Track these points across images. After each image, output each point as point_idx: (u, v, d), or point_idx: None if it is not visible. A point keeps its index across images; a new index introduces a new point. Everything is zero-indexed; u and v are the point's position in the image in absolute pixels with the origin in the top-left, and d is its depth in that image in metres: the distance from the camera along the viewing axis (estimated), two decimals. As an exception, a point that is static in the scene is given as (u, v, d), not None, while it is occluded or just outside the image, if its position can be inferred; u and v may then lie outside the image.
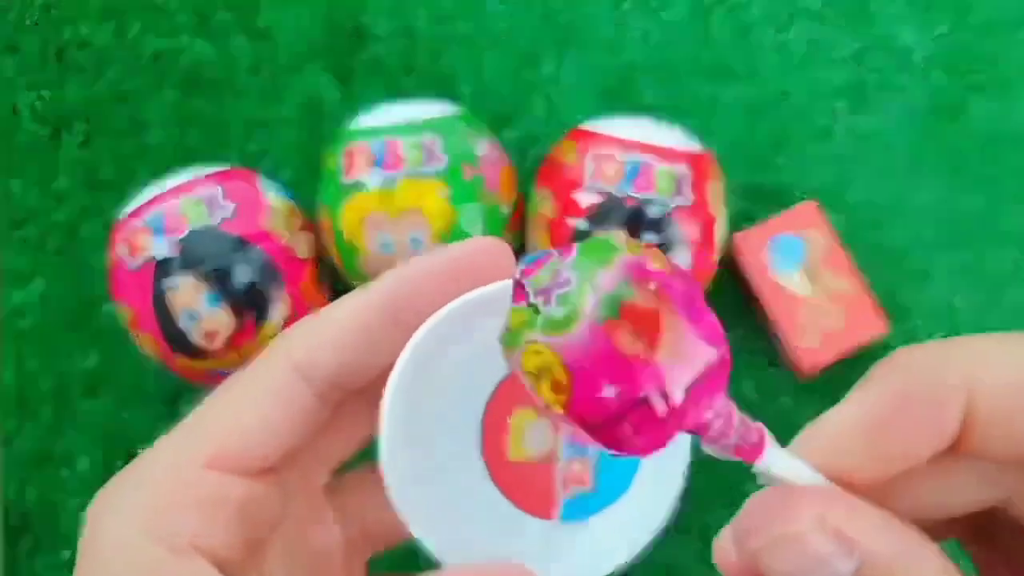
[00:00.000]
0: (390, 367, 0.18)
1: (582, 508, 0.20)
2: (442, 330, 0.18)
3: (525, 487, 0.19)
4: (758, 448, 0.15)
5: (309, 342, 0.18)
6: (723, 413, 0.15)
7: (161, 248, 0.33)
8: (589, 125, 0.36)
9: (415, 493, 0.18)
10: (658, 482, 0.19)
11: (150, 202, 0.34)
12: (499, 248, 0.19)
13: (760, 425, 0.15)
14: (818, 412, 0.41)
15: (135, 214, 0.34)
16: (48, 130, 0.43)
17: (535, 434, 0.19)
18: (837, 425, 0.15)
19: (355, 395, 0.19)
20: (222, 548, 0.17)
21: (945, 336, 0.38)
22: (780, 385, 0.38)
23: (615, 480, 0.20)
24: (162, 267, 0.33)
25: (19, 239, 0.42)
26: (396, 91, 0.43)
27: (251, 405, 0.17)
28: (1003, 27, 0.42)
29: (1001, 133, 0.41)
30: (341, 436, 0.20)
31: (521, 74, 0.43)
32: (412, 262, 0.18)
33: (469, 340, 0.18)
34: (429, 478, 0.19)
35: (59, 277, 0.42)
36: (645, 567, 0.37)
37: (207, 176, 0.35)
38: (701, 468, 0.39)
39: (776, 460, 0.15)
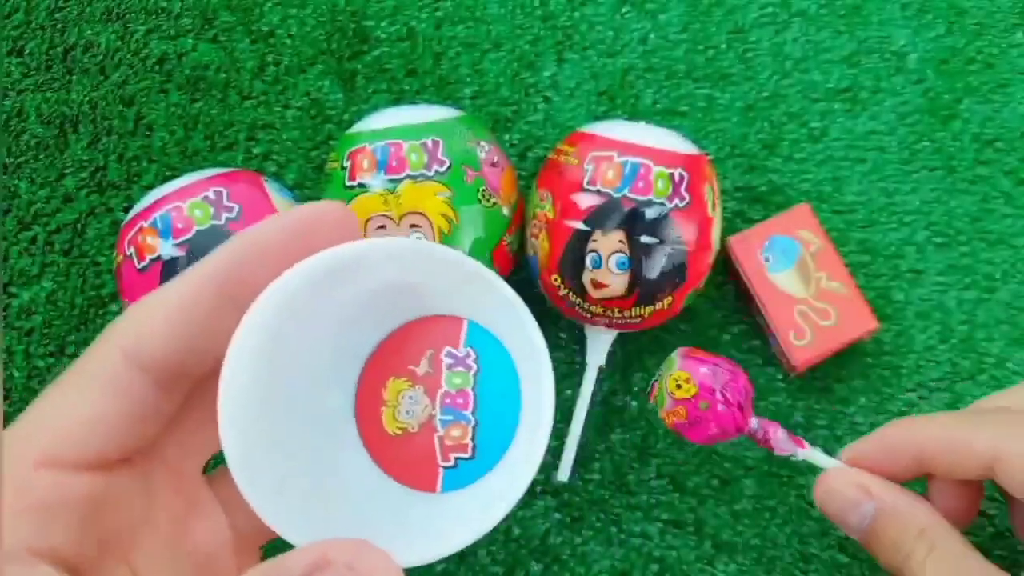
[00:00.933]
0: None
1: (463, 477, 0.19)
2: (281, 303, 0.16)
3: (405, 460, 0.19)
4: (800, 444, 0.29)
5: (138, 328, 0.17)
6: (761, 426, 0.29)
7: (168, 249, 0.34)
8: (588, 128, 0.36)
9: (282, 495, 0.16)
10: (529, 452, 0.18)
11: (156, 203, 0.35)
12: (336, 212, 0.17)
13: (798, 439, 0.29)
14: (810, 408, 0.41)
15: (142, 215, 0.35)
16: (54, 131, 0.44)
17: (410, 404, 0.18)
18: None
19: (213, 381, 0.17)
20: (68, 549, 0.16)
21: (938, 334, 0.39)
22: (774, 383, 0.39)
23: (492, 447, 0.19)
24: (169, 268, 0.34)
25: (26, 239, 0.43)
26: (398, 94, 0.44)
27: (81, 398, 0.17)
28: (996, 30, 0.42)
29: (993, 135, 0.41)
30: (208, 425, 0.18)
31: (521, 77, 0.43)
32: (242, 233, 0.17)
33: (322, 313, 0.17)
34: (296, 473, 0.17)
35: (66, 277, 0.42)
36: (640, 562, 0.38)
37: (212, 178, 0.35)
38: (700, 467, 0.40)
39: (810, 455, 0.29)
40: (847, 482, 0.27)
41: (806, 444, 0.28)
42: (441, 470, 0.19)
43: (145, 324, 0.17)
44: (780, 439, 0.28)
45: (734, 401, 0.27)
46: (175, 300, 0.17)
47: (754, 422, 0.28)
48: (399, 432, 0.18)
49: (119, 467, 0.17)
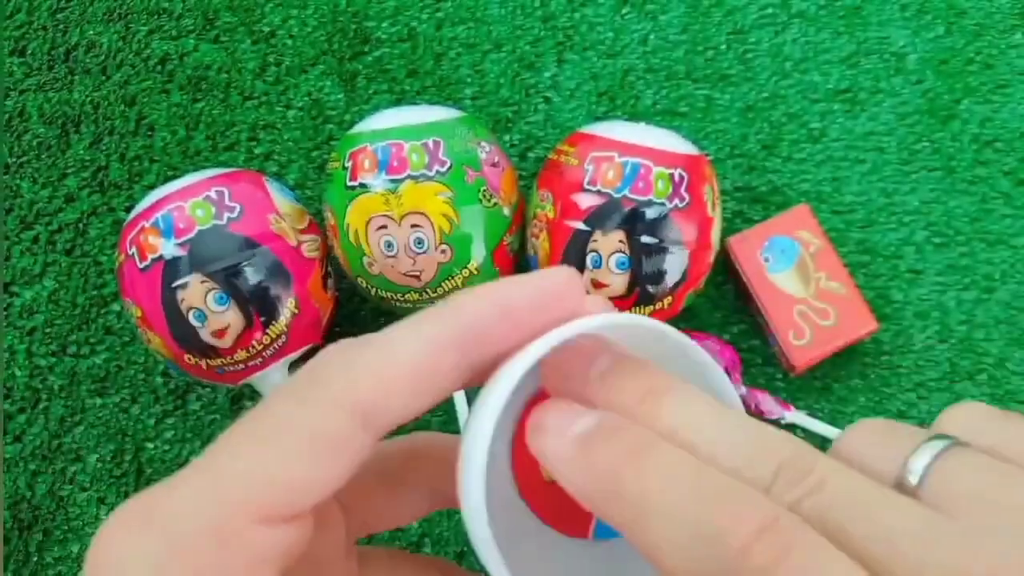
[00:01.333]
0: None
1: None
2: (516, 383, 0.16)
3: (558, 506, 0.19)
4: (787, 407, 0.31)
5: (376, 394, 0.16)
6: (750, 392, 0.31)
7: (170, 248, 0.34)
8: (588, 128, 0.37)
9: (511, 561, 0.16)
10: None
11: (158, 203, 0.35)
12: (569, 282, 0.17)
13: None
14: (810, 408, 0.42)
15: (143, 215, 0.35)
16: (56, 131, 0.44)
17: None
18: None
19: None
20: None
21: (937, 334, 0.39)
22: (773, 382, 0.39)
23: None
24: (171, 267, 0.34)
25: (29, 239, 0.43)
26: (399, 95, 0.44)
27: (301, 452, 0.15)
28: (995, 31, 0.42)
29: (993, 135, 0.41)
30: (394, 491, 0.20)
31: (522, 78, 0.43)
32: (487, 294, 0.17)
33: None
34: (509, 536, 0.17)
35: (68, 276, 0.42)
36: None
37: (214, 177, 0.35)
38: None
39: (797, 417, 0.26)
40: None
41: (792, 407, 0.29)
42: (594, 517, 0.19)
43: (384, 390, 0.16)
44: (769, 402, 0.28)
45: (722, 367, 0.27)
46: (416, 362, 0.16)
47: (743, 389, 0.28)
48: (552, 479, 0.18)
49: (303, 515, 0.16)
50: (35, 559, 0.39)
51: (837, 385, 0.39)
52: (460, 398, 0.38)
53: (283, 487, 0.15)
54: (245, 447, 0.16)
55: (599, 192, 0.34)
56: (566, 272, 0.17)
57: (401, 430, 0.18)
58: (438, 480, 0.20)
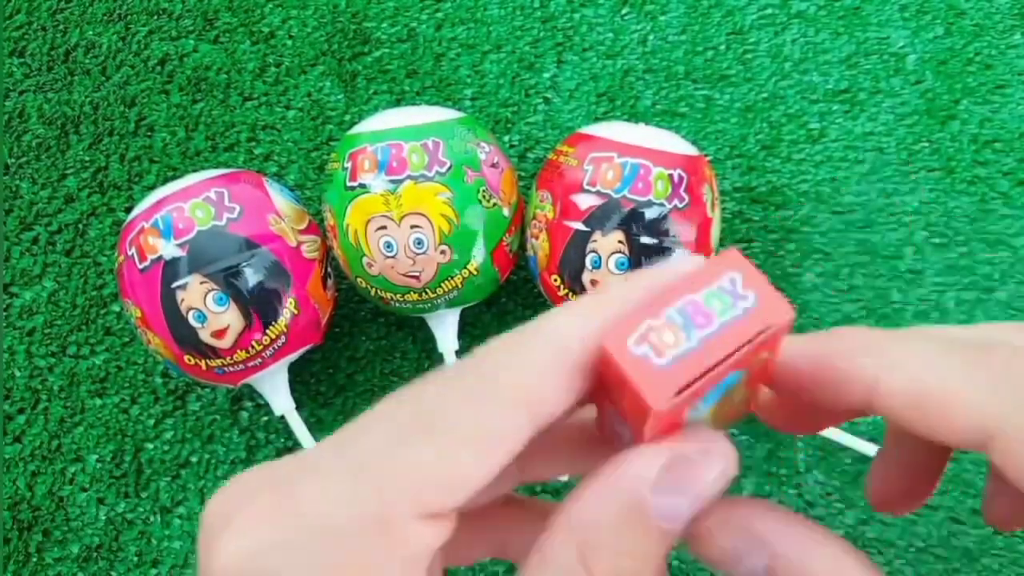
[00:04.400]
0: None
1: None
2: None
3: None
4: None
5: (543, 378, 0.15)
6: None
7: (169, 249, 0.34)
8: (588, 129, 0.37)
9: None
10: None
11: (158, 204, 0.35)
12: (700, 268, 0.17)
13: None
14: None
15: (143, 216, 0.35)
16: (56, 132, 0.44)
17: None
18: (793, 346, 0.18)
19: None
20: None
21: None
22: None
23: None
24: (170, 268, 0.34)
25: (28, 239, 0.43)
26: (399, 95, 0.44)
27: (470, 448, 0.15)
28: (995, 31, 0.42)
29: (992, 136, 0.41)
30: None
31: (521, 78, 0.43)
32: (631, 282, 0.16)
33: None
34: None
35: (68, 277, 0.42)
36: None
37: (214, 178, 0.35)
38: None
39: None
40: (731, 526, 0.17)
41: None
42: None
43: (553, 383, 0.15)
44: None
45: None
46: (578, 359, 0.16)
47: None
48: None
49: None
50: (35, 559, 0.39)
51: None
52: None
53: (448, 483, 0.15)
54: (413, 440, 0.15)
55: (599, 193, 0.34)
56: (698, 259, 0.17)
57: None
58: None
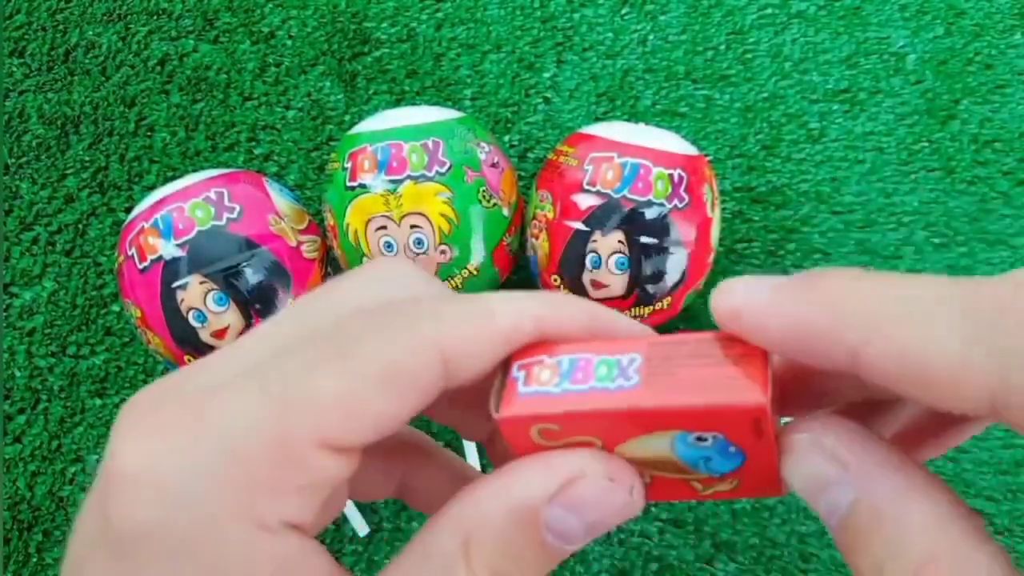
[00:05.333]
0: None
1: None
2: None
3: None
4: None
5: (465, 334, 0.15)
6: None
7: (169, 249, 0.34)
8: (588, 129, 0.37)
9: None
10: None
11: (158, 204, 0.35)
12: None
13: None
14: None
15: (143, 216, 0.35)
16: (56, 132, 0.44)
17: None
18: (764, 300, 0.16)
19: None
20: (307, 524, 0.15)
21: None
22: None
23: None
24: (170, 268, 0.34)
25: (28, 239, 0.43)
26: (399, 95, 0.44)
27: (381, 384, 0.15)
28: (995, 31, 0.42)
29: (992, 136, 0.41)
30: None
31: (521, 78, 0.43)
32: (574, 300, 0.17)
33: None
34: None
35: (68, 277, 0.42)
36: (640, 561, 0.38)
37: (214, 178, 0.35)
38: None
39: None
40: (814, 446, 0.15)
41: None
42: None
43: (472, 343, 0.15)
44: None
45: None
46: (507, 327, 0.16)
47: None
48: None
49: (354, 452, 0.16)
50: (35, 560, 0.39)
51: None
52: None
53: (355, 419, 0.15)
54: (324, 368, 0.15)
55: (598, 192, 0.34)
56: (636, 326, 0.17)
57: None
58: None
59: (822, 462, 0.15)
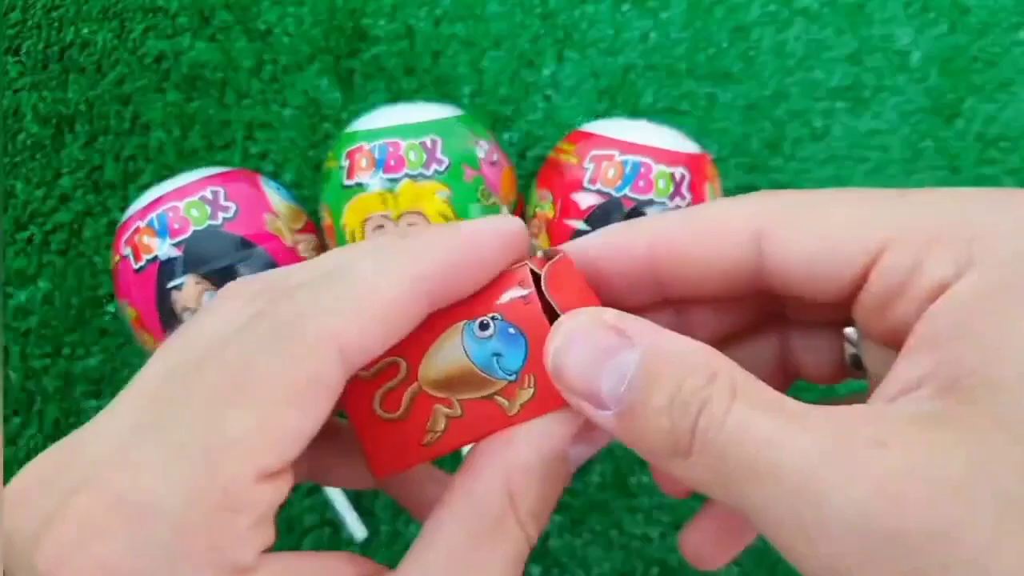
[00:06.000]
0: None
1: None
2: None
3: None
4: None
5: (358, 330, 0.15)
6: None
7: (165, 249, 0.33)
8: (588, 127, 0.36)
9: None
10: None
11: (153, 203, 0.34)
12: (522, 232, 0.17)
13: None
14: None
15: (139, 215, 0.34)
16: (51, 131, 0.44)
17: None
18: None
19: None
20: (271, 543, 0.15)
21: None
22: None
23: None
24: (166, 267, 0.33)
25: (23, 239, 0.42)
26: (397, 93, 0.43)
27: (291, 402, 0.15)
28: (1000, 29, 0.42)
29: (997, 134, 0.41)
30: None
31: (521, 76, 0.43)
32: (453, 234, 0.17)
33: None
34: None
35: (63, 277, 0.42)
36: (641, 565, 0.37)
37: (209, 177, 0.35)
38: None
39: None
40: (594, 322, 0.16)
41: None
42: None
43: (362, 328, 0.15)
44: None
45: None
46: (389, 302, 0.15)
47: None
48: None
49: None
50: (29, 563, 0.39)
51: (841, 386, 0.38)
52: None
53: (278, 443, 0.14)
54: (233, 407, 0.14)
55: (599, 191, 0.34)
56: (519, 223, 0.17)
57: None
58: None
59: (606, 332, 0.15)
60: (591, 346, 0.15)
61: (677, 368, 0.15)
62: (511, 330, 0.17)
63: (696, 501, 0.39)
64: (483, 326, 0.17)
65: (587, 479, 0.38)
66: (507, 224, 0.17)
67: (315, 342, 0.15)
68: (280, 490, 0.15)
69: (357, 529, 0.38)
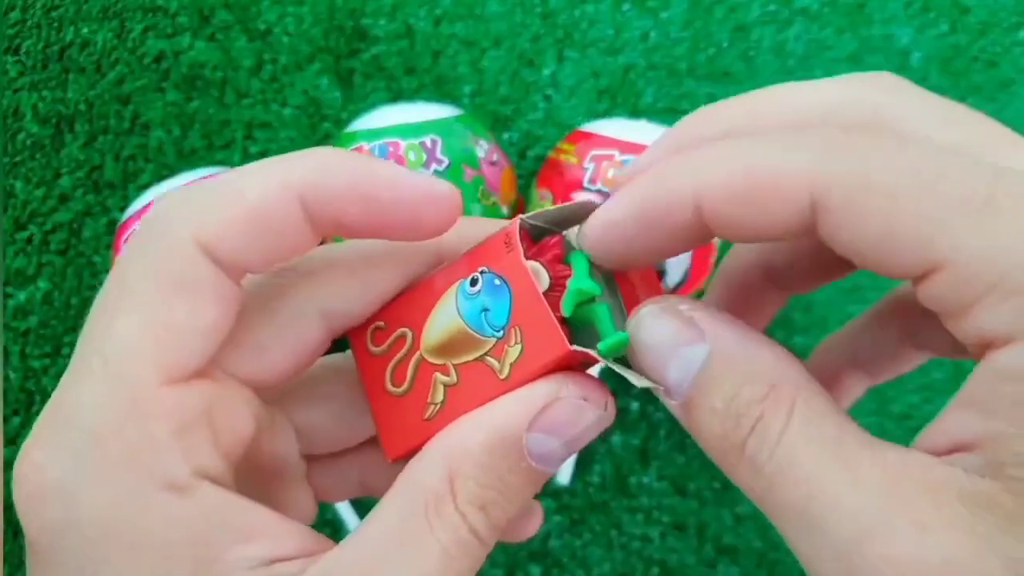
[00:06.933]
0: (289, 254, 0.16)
1: None
2: None
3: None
4: None
5: (214, 220, 0.15)
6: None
7: (164, 249, 0.33)
8: (588, 126, 0.36)
9: None
10: None
11: (153, 203, 0.34)
12: (448, 197, 0.17)
13: None
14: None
15: (138, 215, 0.34)
16: (50, 130, 0.44)
17: None
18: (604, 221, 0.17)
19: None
20: (215, 469, 0.15)
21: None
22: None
23: None
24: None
25: (22, 239, 0.42)
26: (396, 92, 0.43)
27: (167, 301, 0.15)
28: (1000, 29, 0.42)
29: (998, 134, 0.41)
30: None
31: (521, 75, 0.43)
32: (346, 160, 0.16)
33: None
34: None
35: (63, 277, 0.42)
36: (641, 565, 0.37)
37: (209, 177, 0.35)
38: (701, 470, 0.39)
39: None
40: (669, 311, 0.16)
41: None
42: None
43: (225, 226, 0.15)
44: None
45: None
46: (252, 201, 0.16)
47: None
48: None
49: (202, 376, 0.16)
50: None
51: (841, 387, 0.38)
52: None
53: (168, 342, 0.15)
54: (118, 315, 0.15)
55: (599, 191, 0.34)
56: (449, 187, 0.17)
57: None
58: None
59: (679, 324, 0.15)
60: (663, 332, 0.15)
61: (738, 373, 0.15)
62: (496, 281, 0.17)
63: (696, 502, 0.39)
64: (473, 282, 0.17)
65: (587, 479, 0.38)
66: (426, 181, 0.17)
67: (173, 241, 0.15)
68: (196, 398, 0.15)
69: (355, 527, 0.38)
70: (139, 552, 0.14)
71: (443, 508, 0.15)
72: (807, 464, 0.13)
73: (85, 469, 0.14)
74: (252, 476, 0.18)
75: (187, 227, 0.15)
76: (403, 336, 0.17)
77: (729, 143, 0.15)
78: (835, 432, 0.14)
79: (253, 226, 0.16)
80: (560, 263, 0.17)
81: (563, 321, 0.16)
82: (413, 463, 0.16)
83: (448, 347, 0.17)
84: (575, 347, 0.15)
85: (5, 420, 0.41)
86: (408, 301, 0.17)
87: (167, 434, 0.15)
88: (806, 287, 0.21)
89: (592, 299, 0.16)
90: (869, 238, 0.14)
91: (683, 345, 0.15)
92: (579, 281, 0.16)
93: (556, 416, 0.16)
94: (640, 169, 0.16)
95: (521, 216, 0.17)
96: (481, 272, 0.17)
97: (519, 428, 0.15)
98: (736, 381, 0.15)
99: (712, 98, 0.42)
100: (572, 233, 0.17)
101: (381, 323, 0.18)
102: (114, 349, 0.15)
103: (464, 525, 0.15)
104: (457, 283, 0.17)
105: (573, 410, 0.16)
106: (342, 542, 0.16)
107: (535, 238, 0.18)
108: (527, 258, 0.16)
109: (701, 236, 0.16)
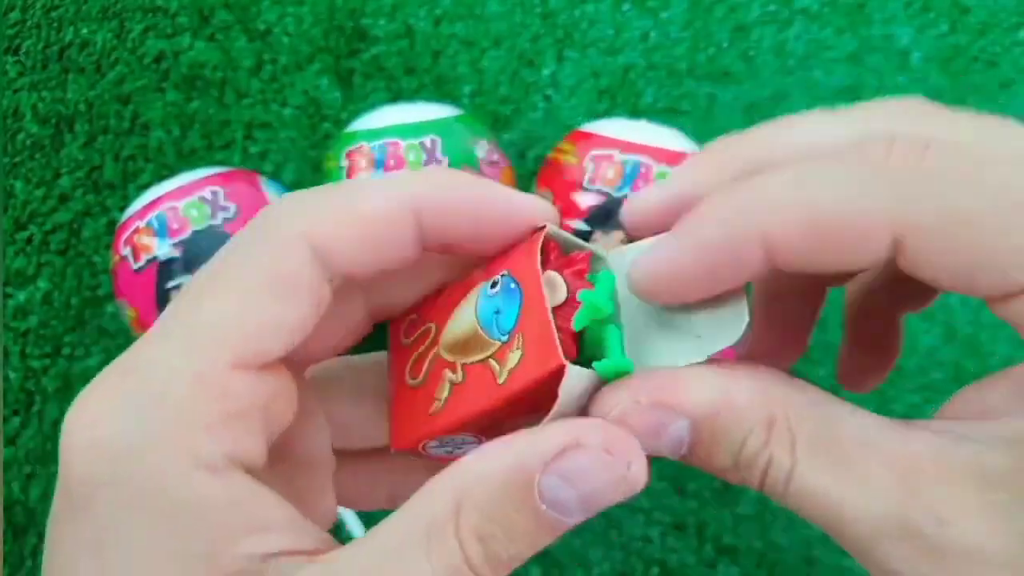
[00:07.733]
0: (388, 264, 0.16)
1: None
2: None
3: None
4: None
5: (330, 225, 0.16)
6: None
7: (164, 249, 0.33)
8: (588, 126, 0.36)
9: None
10: None
11: (153, 203, 0.34)
12: (545, 214, 0.17)
13: None
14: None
15: (138, 215, 0.34)
16: (50, 131, 0.44)
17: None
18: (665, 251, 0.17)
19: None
20: (253, 458, 0.15)
21: (943, 335, 0.39)
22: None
23: None
24: (165, 268, 0.33)
25: (22, 239, 0.42)
26: (396, 92, 0.43)
27: (263, 292, 0.15)
28: (1000, 28, 0.42)
29: (998, 134, 0.41)
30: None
31: (521, 75, 0.43)
32: (459, 182, 0.17)
33: None
34: None
35: (62, 277, 0.42)
36: (641, 565, 0.37)
37: (209, 177, 0.35)
38: (701, 470, 0.39)
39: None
40: (636, 409, 0.16)
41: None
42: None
43: (339, 232, 0.16)
44: None
45: None
46: (374, 213, 0.16)
47: None
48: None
49: (276, 366, 0.16)
50: (29, 564, 0.39)
51: (839, 386, 0.38)
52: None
53: (252, 330, 0.15)
54: (209, 296, 0.15)
55: (599, 191, 0.34)
56: (546, 205, 0.17)
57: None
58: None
59: (647, 415, 0.16)
60: (640, 431, 0.16)
61: (733, 430, 0.15)
62: (512, 285, 0.17)
63: (695, 502, 0.39)
64: (493, 284, 0.17)
65: (587, 479, 0.38)
66: (529, 202, 0.17)
67: (285, 238, 0.15)
68: (257, 388, 0.15)
69: (357, 529, 0.38)
70: (163, 522, 0.14)
71: (443, 533, 0.15)
72: (819, 492, 0.14)
73: (142, 431, 0.15)
74: (281, 466, 0.18)
75: (301, 226, 0.15)
76: (428, 330, 0.18)
77: (793, 178, 0.15)
78: (837, 448, 0.14)
79: (367, 234, 0.16)
80: (583, 279, 0.17)
81: (575, 337, 0.16)
82: (428, 484, 0.16)
83: (461, 345, 0.17)
84: (568, 362, 0.15)
85: (5, 420, 0.41)
86: (441, 297, 0.18)
87: (219, 415, 0.15)
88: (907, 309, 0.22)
89: (607, 319, 0.16)
90: (953, 269, 0.14)
91: (662, 431, 0.15)
92: (595, 296, 0.16)
93: (570, 463, 0.15)
94: (684, 196, 0.17)
95: (550, 225, 0.17)
96: (503, 275, 0.17)
97: (533, 467, 0.15)
98: (735, 439, 0.15)
99: (712, 98, 0.42)
100: (601, 249, 0.18)
101: (414, 315, 0.18)
102: (198, 323, 0.15)
103: (459, 553, 0.15)
104: (482, 283, 0.17)
105: (590, 460, 0.15)
106: (342, 548, 0.16)
107: (566, 250, 0.18)
108: (551, 268, 0.16)
109: (763, 273, 0.16)
